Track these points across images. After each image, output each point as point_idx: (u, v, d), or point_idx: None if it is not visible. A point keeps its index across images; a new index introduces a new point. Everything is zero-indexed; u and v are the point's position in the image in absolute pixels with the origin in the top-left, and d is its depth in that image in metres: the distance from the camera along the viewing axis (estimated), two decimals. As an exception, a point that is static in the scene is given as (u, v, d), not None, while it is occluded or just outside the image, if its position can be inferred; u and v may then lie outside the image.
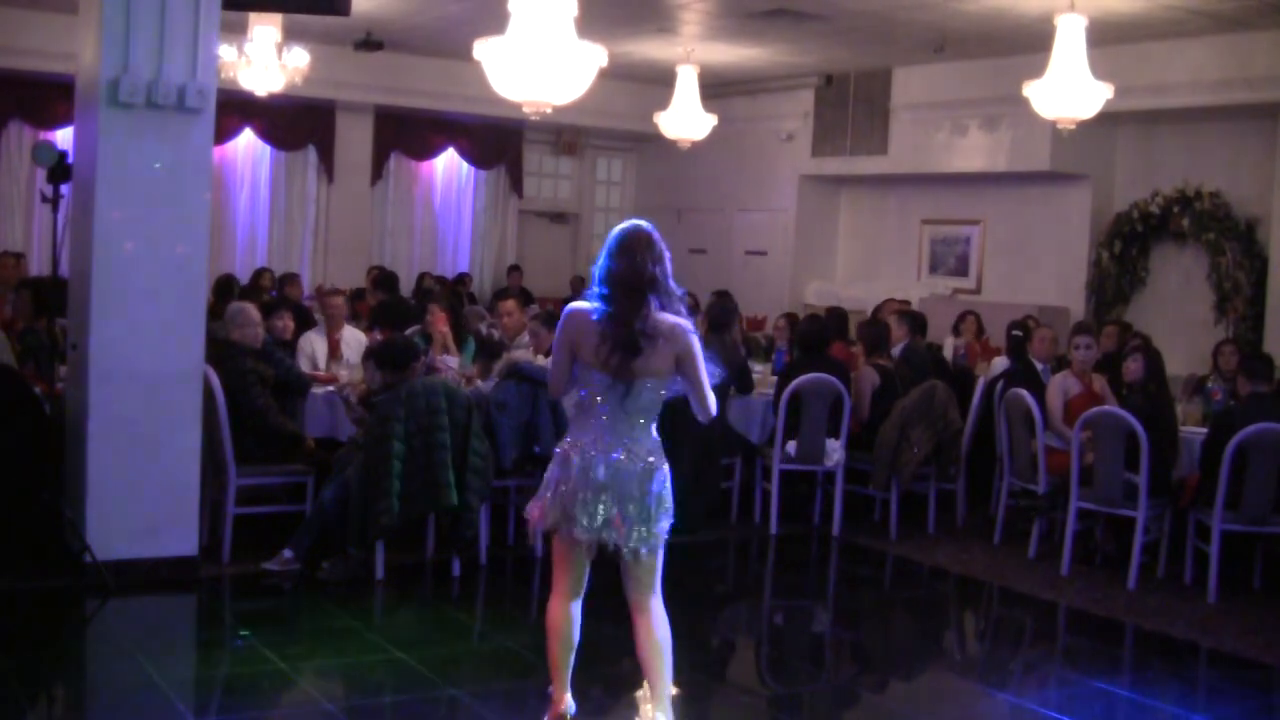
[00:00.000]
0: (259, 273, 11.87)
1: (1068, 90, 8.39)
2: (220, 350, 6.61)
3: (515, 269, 14.58)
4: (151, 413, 6.05)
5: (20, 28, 11.31)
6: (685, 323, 4.02)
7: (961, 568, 7.28)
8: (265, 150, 13.94)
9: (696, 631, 5.98)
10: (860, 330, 8.78)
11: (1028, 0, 9.31)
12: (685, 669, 5.10)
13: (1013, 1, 9.40)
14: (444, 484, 6.15)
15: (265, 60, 10.06)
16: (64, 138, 11.65)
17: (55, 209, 6.19)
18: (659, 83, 12.56)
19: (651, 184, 16.11)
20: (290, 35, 10.50)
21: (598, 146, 16.18)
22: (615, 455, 4.03)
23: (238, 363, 6.61)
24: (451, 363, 7.47)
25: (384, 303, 8.44)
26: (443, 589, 6.42)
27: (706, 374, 4.04)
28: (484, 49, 6.42)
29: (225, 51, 9.39)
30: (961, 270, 13.07)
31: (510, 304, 8.52)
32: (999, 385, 8.01)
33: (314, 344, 8.06)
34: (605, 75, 6.88)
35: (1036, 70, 8.54)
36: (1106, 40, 9.62)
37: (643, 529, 4.05)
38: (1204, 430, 7.10)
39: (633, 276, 3.95)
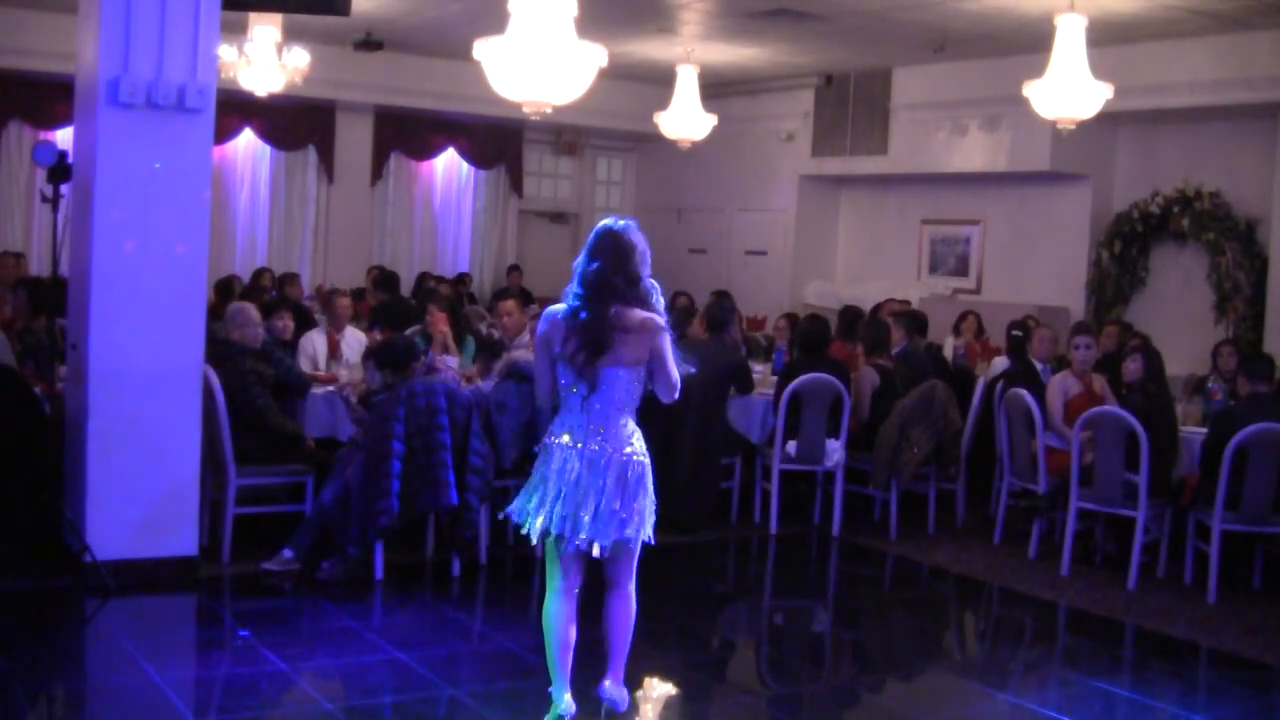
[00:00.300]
0: (259, 273, 11.87)
1: (1068, 90, 8.38)
2: (220, 350, 6.61)
3: (515, 269, 14.58)
4: (151, 413, 6.05)
5: (20, 28, 11.30)
6: (656, 317, 4.19)
7: (961, 568, 7.28)
8: (265, 150, 13.93)
9: (696, 631, 5.98)
10: (860, 330, 8.78)
11: (1028, 0, 9.30)
12: (685, 669, 5.11)
13: (1013, 1, 9.40)
14: (444, 484, 6.15)
15: (265, 60, 10.05)
16: (64, 138, 11.64)
17: (55, 209, 6.19)
18: (659, 83, 12.56)
19: (651, 184, 16.10)
20: (290, 35, 10.50)
21: (598, 146, 16.17)
22: (593, 448, 4.14)
23: (238, 363, 6.61)
24: (451, 363, 7.46)
25: (384, 303, 8.45)
26: (443, 589, 6.42)
27: (675, 363, 4.21)
28: (484, 49, 6.42)
29: (225, 51, 9.38)
30: (961, 270, 13.06)
31: (510, 304, 8.52)
32: (999, 385, 8.01)
33: (315, 344, 8.07)
34: (605, 75, 6.88)
35: (1036, 70, 8.54)
36: (1106, 40, 9.62)
37: (618, 522, 4.13)
38: (1204, 430, 7.10)
39: (599, 276, 4.13)
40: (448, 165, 15.12)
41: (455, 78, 12.54)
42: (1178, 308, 11.20)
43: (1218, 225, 10.71)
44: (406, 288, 12.75)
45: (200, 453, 6.25)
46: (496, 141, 15.07)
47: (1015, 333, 8.86)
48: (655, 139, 12.71)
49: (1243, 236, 10.62)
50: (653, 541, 4.32)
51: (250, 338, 6.82)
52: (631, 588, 4.35)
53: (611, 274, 4.13)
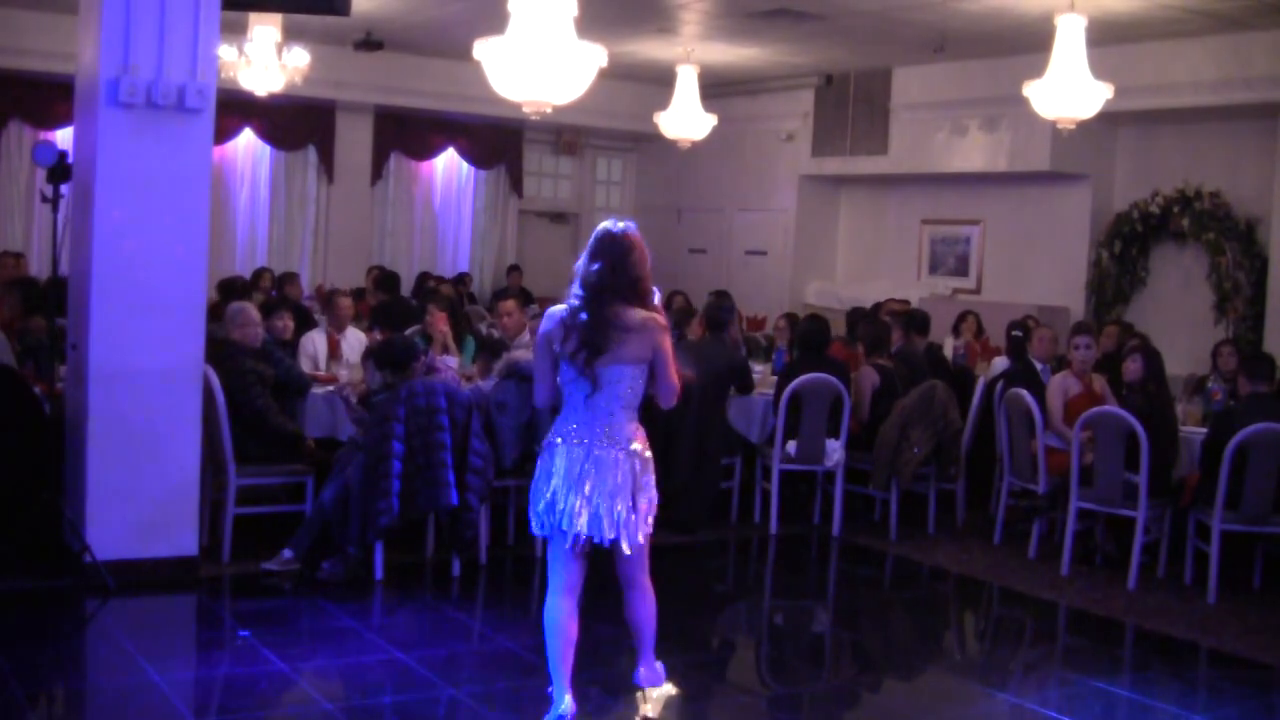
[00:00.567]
0: (259, 273, 11.87)
1: (1068, 90, 8.39)
2: (220, 350, 6.61)
3: (515, 269, 14.58)
4: (151, 413, 6.05)
5: (20, 28, 11.30)
6: (658, 316, 4.25)
7: (961, 568, 7.28)
8: (265, 150, 13.94)
9: (696, 631, 5.98)
10: (860, 330, 8.78)
11: (1028, 0, 9.31)
12: (685, 669, 5.11)
13: (1013, 1, 9.40)
14: (444, 484, 6.15)
15: (265, 60, 10.05)
16: (64, 138, 11.64)
17: (55, 209, 6.19)
18: (659, 83, 12.56)
19: (651, 184, 16.11)
20: (290, 35, 10.50)
21: (598, 146, 16.18)
22: (596, 445, 4.19)
23: (238, 363, 6.61)
24: (451, 363, 7.46)
25: (384, 303, 8.45)
26: (443, 589, 6.42)
27: (673, 366, 4.25)
28: (484, 49, 6.42)
29: (225, 51, 9.38)
30: (961, 270, 13.07)
31: (510, 304, 8.52)
32: (999, 385, 8.01)
33: (315, 344, 8.07)
34: (605, 75, 6.88)
35: (1036, 70, 8.54)
36: (1106, 40, 9.62)
37: (629, 516, 4.19)
38: (1204, 430, 7.10)
39: (599, 277, 4.18)
40: (448, 165, 15.12)
41: (455, 78, 12.54)
42: (1178, 308, 11.20)
43: (1218, 225, 10.72)
44: (406, 288, 12.75)
45: (200, 453, 6.25)
46: (496, 141, 15.07)
47: (1015, 333, 8.86)
48: (655, 139, 12.71)
49: (1243, 236, 10.62)
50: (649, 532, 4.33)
51: (250, 338, 6.82)
52: (648, 582, 4.40)
53: (611, 274, 4.17)
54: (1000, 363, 9.01)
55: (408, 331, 7.59)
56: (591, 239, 4.29)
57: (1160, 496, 6.95)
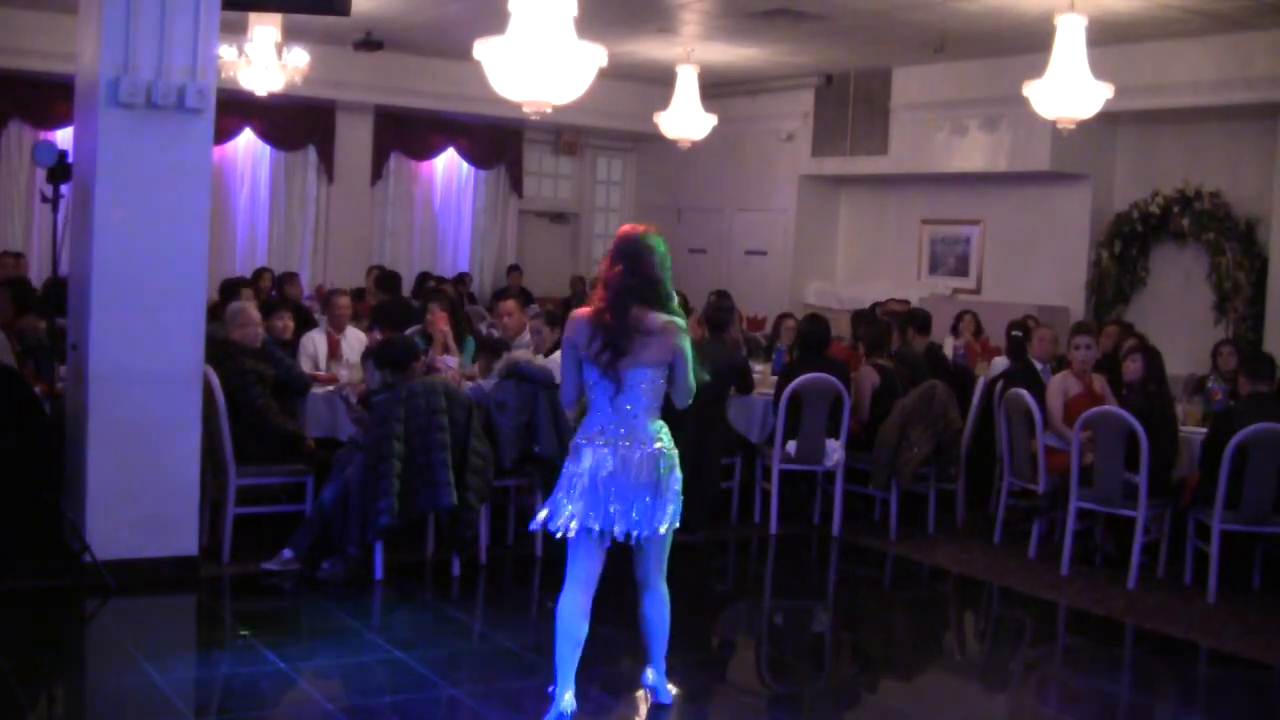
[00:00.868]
0: (259, 273, 11.86)
1: (1068, 90, 8.39)
2: (220, 350, 6.61)
3: (515, 269, 14.58)
4: (151, 413, 6.05)
5: (20, 28, 11.31)
6: (678, 320, 4.36)
7: (961, 568, 7.28)
8: (265, 150, 13.94)
9: (696, 631, 5.98)
10: (861, 330, 8.78)
11: (1028, 0, 9.31)
12: (685, 669, 5.11)
13: (1013, 1, 9.40)
14: (443, 484, 6.15)
15: (265, 60, 10.06)
16: (64, 138, 11.64)
17: (55, 209, 6.19)
18: (659, 83, 12.56)
19: (651, 184, 16.11)
20: (290, 35, 10.50)
21: (598, 146, 16.18)
22: (621, 445, 4.30)
23: (238, 363, 6.61)
24: (451, 363, 7.46)
25: (384, 303, 8.45)
26: (443, 589, 6.42)
27: (692, 368, 4.37)
28: (484, 49, 6.42)
29: (225, 51, 9.39)
30: (961, 270, 13.07)
31: (510, 304, 8.52)
32: (999, 385, 8.01)
33: (315, 344, 8.07)
34: (605, 75, 6.88)
35: (1036, 70, 8.54)
36: (1106, 40, 9.62)
37: (652, 514, 4.30)
38: (1204, 430, 7.10)
39: (620, 280, 4.30)
40: (448, 165, 15.12)
41: (455, 78, 12.55)
42: (1178, 308, 11.20)
43: (1218, 225, 10.72)
44: (407, 288, 12.75)
45: (200, 453, 6.25)
46: (496, 141, 15.08)
47: (1015, 333, 8.86)
48: (655, 139, 12.71)
49: (1243, 236, 10.63)
50: (676, 524, 4.41)
51: (250, 338, 6.82)
52: (664, 587, 4.52)
53: (631, 277, 4.29)
54: (1000, 363, 9.01)
55: (408, 331, 7.59)
56: (614, 242, 4.42)
57: (1160, 496, 6.95)
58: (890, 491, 7.84)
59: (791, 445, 7.79)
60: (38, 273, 11.88)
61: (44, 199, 6.18)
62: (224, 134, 13.03)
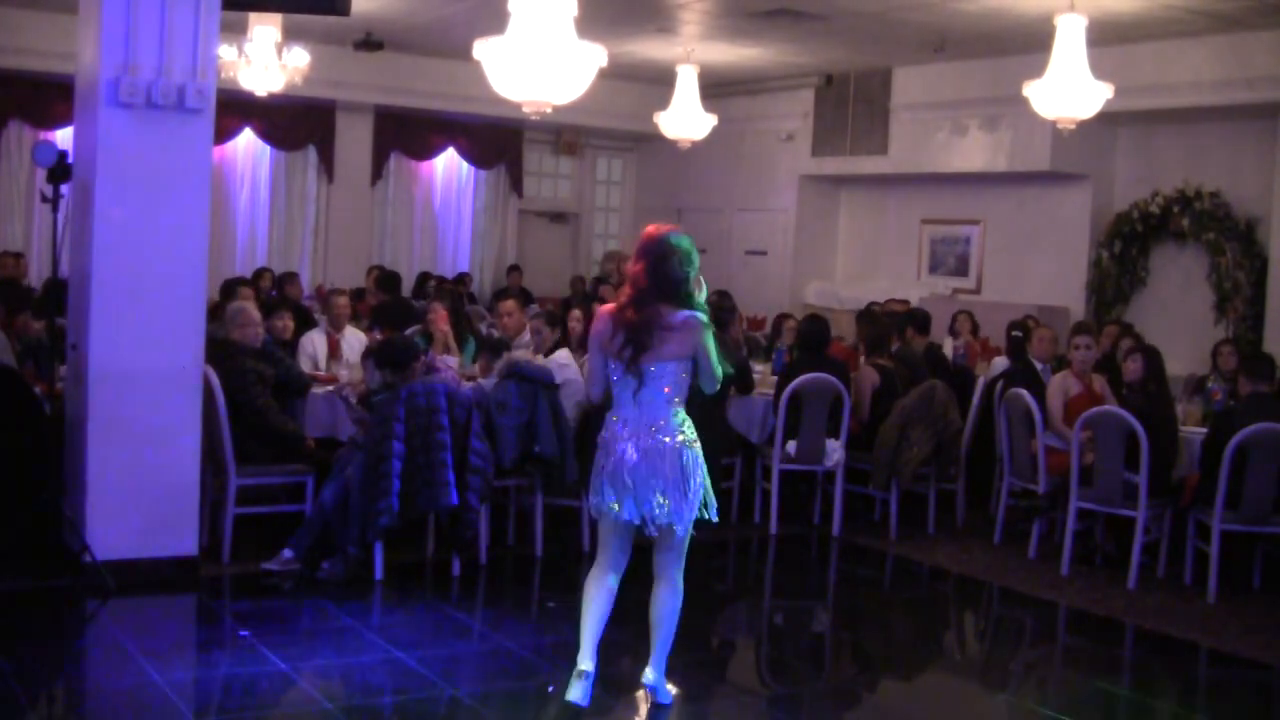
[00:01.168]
0: (259, 273, 11.87)
1: (1068, 90, 8.39)
2: (220, 350, 6.61)
3: (515, 269, 14.58)
4: (151, 413, 6.05)
5: (20, 28, 11.31)
6: (699, 314, 4.46)
7: (961, 568, 7.28)
8: (265, 150, 13.94)
9: (696, 631, 5.97)
10: (861, 330, 8.78)
11: (1027, 0, 9.31)
12: (685, 669, 5.11)
13: (1013, 1, 9.40)
14: (443, 484, 6.15)
15: (265, 60, 10.06)
16: (64, 138, 11.64)
17: (55, 209, 6.19)
18: (659, 83, 12.56)
19: (651, 184, 16.11)
20: (290, 35, 10.50)
21: (598, 146, 16.18)
22: (645, 436, 4.43)
23: (238, 363, 6.61)
24: (452, 362, 7.47)
25: (384, 303, 8.44)
26: (443, 589, 6.41)
27: (715, 358, 4.49)
28: (484, 49, 6.42)
29: (225, 51, 9.39)
30: (961, 270, 13.07)
31: (510, 304, 8.51)
32: (999, 385, 8.01)
33: (315, 344, 8.07)
34: (605, 75, 6.88)
35: (1036, 70, 8.54)
36: (1106, 40, 9.62)
37: (673, 504, 4.42)
38: (1204, 430, 7.10)
39: (641, 279, 4.43)
40: (448, 165, 15.12)
41: (455, 78, 12.55)
42: (1178, 308, 11.20)
43: (1218, 225, 10.72)
44: (407, 288, 12.75)
45: (200, 453, 6.25)
46: (496, 141, 15.08)
47: (1015, 333, 8.86)
48: (655, 139, 12.72)
49: (1243, 236, 10.63)
50: (714, 519, 4.56)
51: (250, 338, 6.81)
52: (679, 579, 4.61)
53: (653, 275, 4.41)
54: (1000, 363, 9.01)
55: (408, 331, 7.59)
56: (639, 241, 4.53)
57: (1160, 496, 6.95)
58: (890, 491, 7.84)
59: (791, 445, 7.79)
60: (38, 273, 11.89)
61: (44, 199, 6.18)
62: (224, 134, 13.03)
